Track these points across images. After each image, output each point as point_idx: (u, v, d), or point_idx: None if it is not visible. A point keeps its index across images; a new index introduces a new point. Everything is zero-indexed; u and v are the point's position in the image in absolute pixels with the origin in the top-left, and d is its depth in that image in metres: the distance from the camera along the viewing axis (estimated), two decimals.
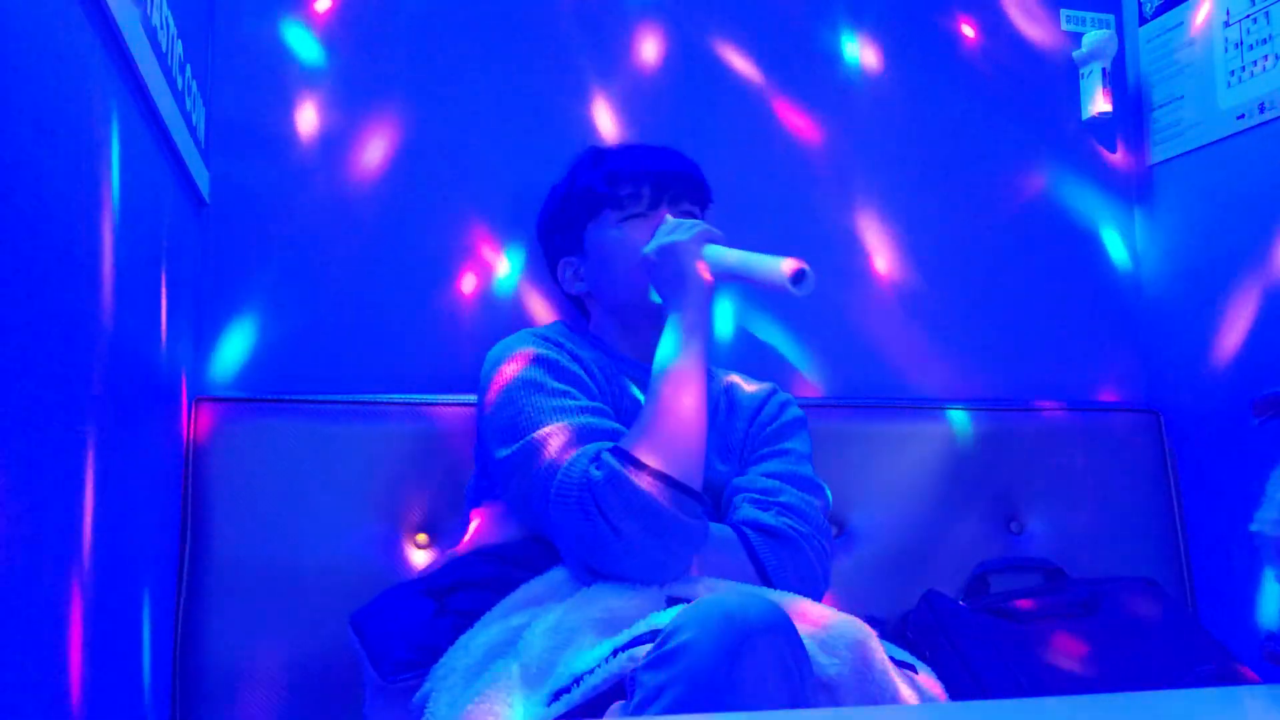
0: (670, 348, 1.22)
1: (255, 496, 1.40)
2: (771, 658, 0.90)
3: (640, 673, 0.93)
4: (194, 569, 1.37)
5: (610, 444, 1.14)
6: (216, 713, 1.34)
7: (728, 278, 1.25)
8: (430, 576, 1.23)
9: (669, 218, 1.33)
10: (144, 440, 1.13)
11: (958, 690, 1.29)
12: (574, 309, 1.50)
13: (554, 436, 1.16)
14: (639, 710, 0.90)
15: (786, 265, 1.18)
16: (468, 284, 1.58)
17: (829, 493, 1.32)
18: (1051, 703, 1.06)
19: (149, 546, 1.18)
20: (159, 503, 1.24)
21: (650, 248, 1.30)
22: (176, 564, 1.36)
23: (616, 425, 1.20)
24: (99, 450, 0.91)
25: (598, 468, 1.11)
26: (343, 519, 1.42)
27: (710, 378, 1.40)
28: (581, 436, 1.16)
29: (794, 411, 1.40)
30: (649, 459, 1.12)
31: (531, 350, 1.26)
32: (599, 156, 1.42)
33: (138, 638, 1.14)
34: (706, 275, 1.25)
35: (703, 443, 1.18)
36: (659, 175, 1.36)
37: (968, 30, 1.83)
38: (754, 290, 1.69)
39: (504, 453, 1.20)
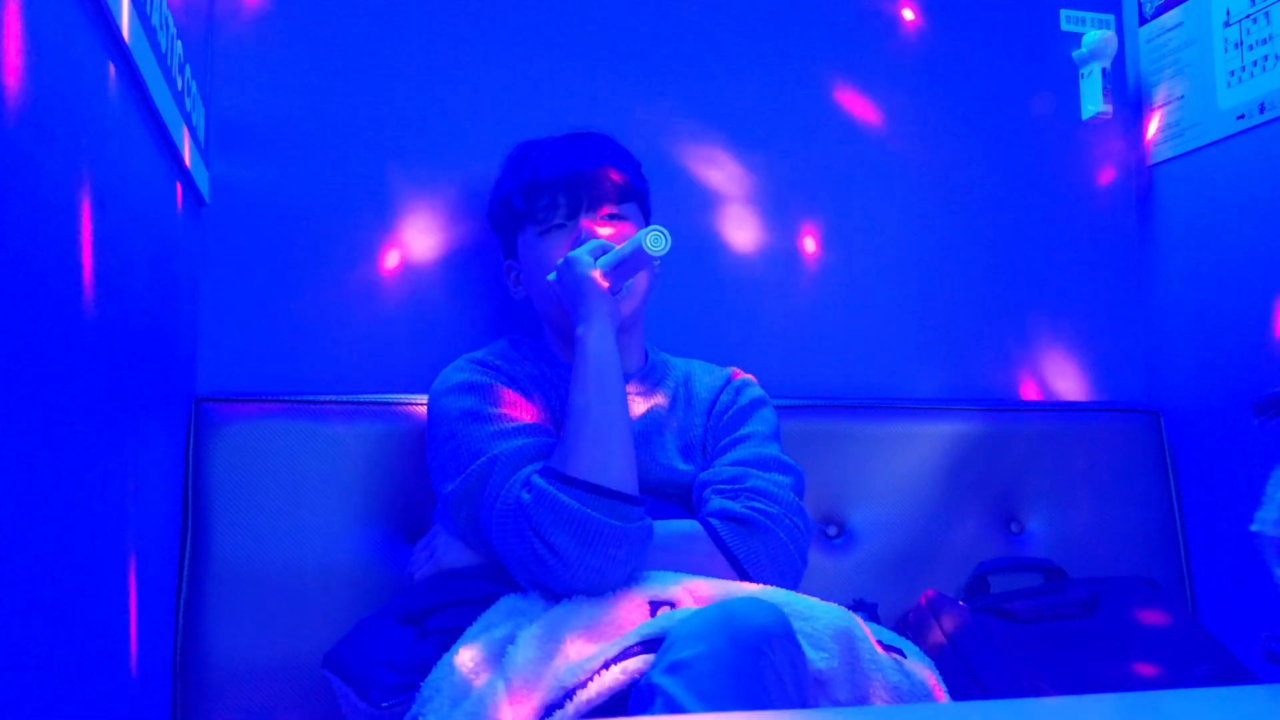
0: (580, 358, 1.22)
1: (255, 496, 1.40)
2: (783, 661, 0.91)
3: (645, 688, 0.93)
4: (194, 569, 1.37)
5: (542, 464, 1.16)
6: (216, 712, 1.34)
7: (619, 277, 1.26)
8: (401, 604, 1.23)
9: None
10: (144, 440, 1.13)
11: (958, 690, 1.29)
12: (531, 310, 1.49)
13: (491, 466, 1.18)
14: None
15: (640, 231, 1.21)
16: (468, 284, 1.58)
17: (799, 469, 1.31)
18: (1051, 703, 1.06)
19: (149, 546, 1.18)
20: (159, 503, 1.24)
21: (552, 275, 1.30)
22: (176, 564, 1.36)
23: (554, 441, 1.21)
24: (99, 450, 0.91)
25: (528, 491, 1.13)
26: (343, 519, 1.42)
27: (667, 373, 1.41)
28: (517, 462, 1.18)
29: (752, 393, 1.39)
30: (576, 471, 1.14)
31: (464, 379, 1.28)
32: (523, 158, 1.39)
33: (138, 637, 1.14)
34: (603, 282, 1.25)
35: (628, 444, 1.19)
36: (573, 181, 1.34)
37: (966, 30, 1.83)
38: (753, 289, 1.69)
39: (449, 487, 1.22)
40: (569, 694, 0.98)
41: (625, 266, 1.24)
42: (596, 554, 1.10)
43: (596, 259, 1.26)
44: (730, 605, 0.96)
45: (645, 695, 0.93)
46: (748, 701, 0.87)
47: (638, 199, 1.40)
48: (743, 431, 1.34)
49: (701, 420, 1.37)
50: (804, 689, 0.93)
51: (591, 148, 1.38)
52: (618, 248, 1.26)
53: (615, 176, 1.36)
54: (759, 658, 0.90)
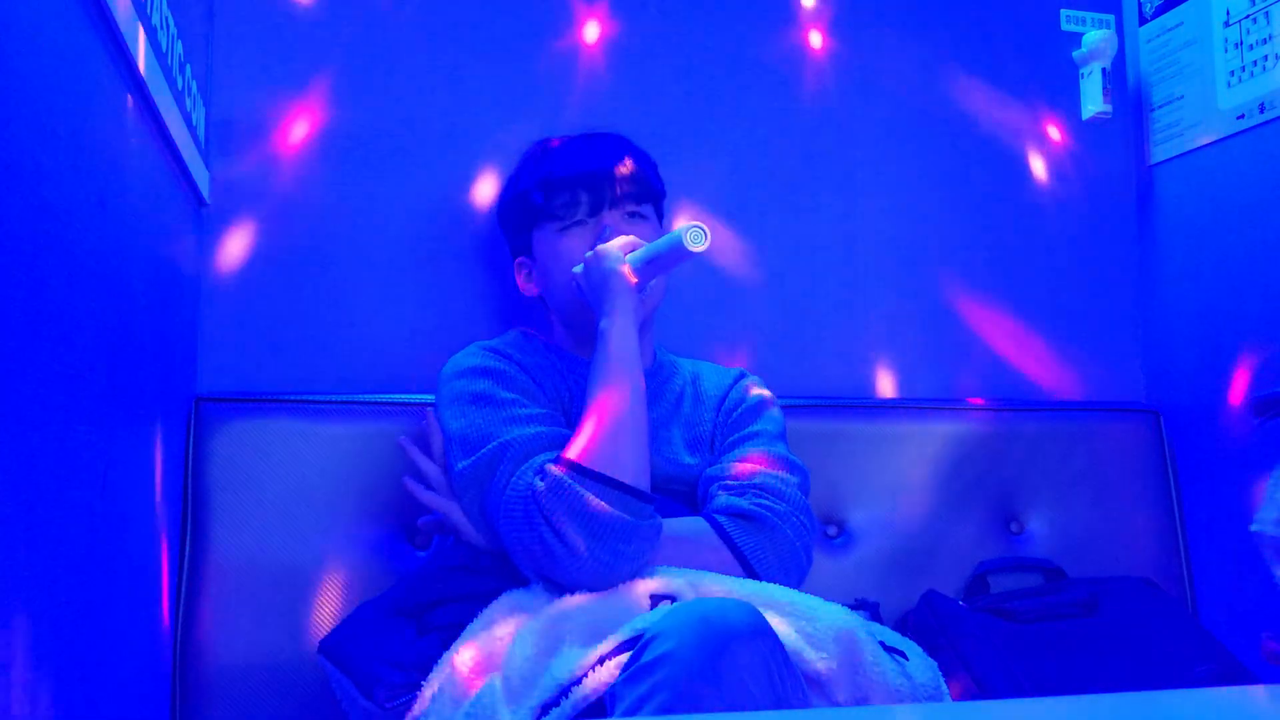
0: (602, 351, 1.22)
1: (255, 496, 1.40)
2: (753, 662, 0.90)
3: (620, 687, 0.93)
4: (193, 568, 1.37)
5: (556, 454, 1.16)
6: (215, 711, 1.34)
7: (648, 273, 1.26)
8: (400, 595, 1.23)
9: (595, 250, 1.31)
10: (144, 440, 1.13)
11: (958, 690, 1.29)
12: (541, 308, 1.50)
13: (503, 451, 1.18)
14: None
15: (679, 227, 1.20)
16: (468, 283, 1.58)
17: (805, 469, 1.31)
18: (1051, 703, 1.06)
19: (148, 546, 1.18)
20: (159, 502, 1.24)
21: (578, 268, 1.30)
22: (176, 563, 1.36)
23: (566, 432, 1.21)
24: (99, 450, 0.91)
25: (542, 479, 1.13)
26: (342, 519, 1.42)
27: (674, 371, 1.41)
28: (529, 449, 1.17)
29: (760, 392, 1.40)
30: (592, 464, 1.13)
31: (478, 364, 1.28)
32: (542, 154, 1.39)
33: (137, 638, 1.14)
34: (631, 278, 1.25)
35: (643, 441, 1.19)
36: (596, 179, 1.33)
37: (966, 30, 1.83)
38: (753, 290, 1.69)
39: (460, 465, 1.22)
40: (565, 691, 0.97)
41: (657, 263, 1.25)
42: (606, 548, 1.10)
43: (626, 254, 1.26)
44: (704, 603, 0.96)
45: (611, 701, 0.93)
46: (716, 697, 0.87)
47: (655, 200, 1.40)
48: (751, 429, 1.34)
49: (711, 415, 1.37)
50: (786, 690, 0.92)
51: (613, 146, 1.38)
52: (648, 245, 1.26)
53: (637, 176, 1.36)
54: (729, 654, 0.89)
